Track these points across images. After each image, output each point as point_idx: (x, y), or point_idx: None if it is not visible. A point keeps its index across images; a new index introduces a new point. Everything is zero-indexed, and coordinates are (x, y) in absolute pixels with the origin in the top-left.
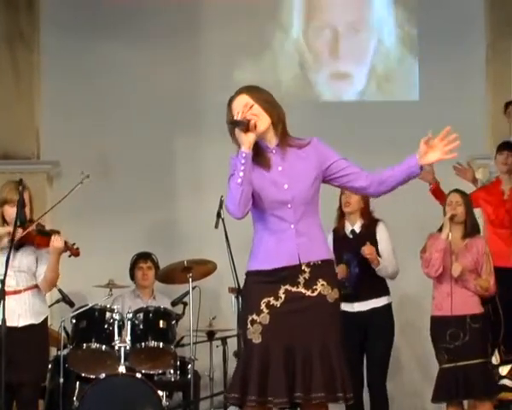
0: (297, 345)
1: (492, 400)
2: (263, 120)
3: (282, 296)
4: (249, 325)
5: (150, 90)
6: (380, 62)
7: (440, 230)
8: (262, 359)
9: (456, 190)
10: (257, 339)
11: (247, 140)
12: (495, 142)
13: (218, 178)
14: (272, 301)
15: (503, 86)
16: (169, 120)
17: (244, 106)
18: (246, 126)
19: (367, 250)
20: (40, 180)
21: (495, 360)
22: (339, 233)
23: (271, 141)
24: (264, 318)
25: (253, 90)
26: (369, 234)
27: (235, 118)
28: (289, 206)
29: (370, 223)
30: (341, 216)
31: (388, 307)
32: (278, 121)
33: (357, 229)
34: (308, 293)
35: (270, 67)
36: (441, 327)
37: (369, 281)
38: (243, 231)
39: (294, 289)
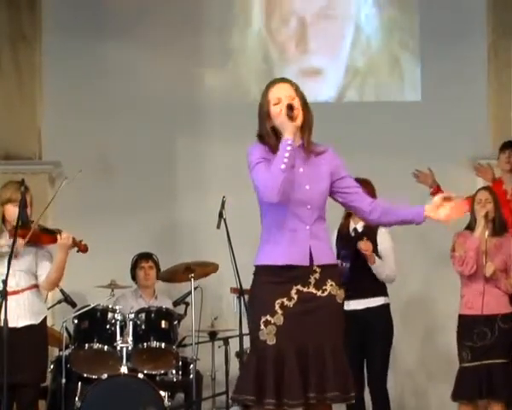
0: (309, 345)
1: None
2: (300, 117)
3: (295, 297)
4: (263, 326)
5: (152, 91)
6: (360, 55)
7: (468, 228)
8: (276, 360)
9: (485, 188)
10: (271, 340)
11: (293, 128)
12: (497, 142)
13: (219, 178)
14: (286, 301)
15: (505, 86)
16: (170, 121)
17: (289, 96)
18: (294, 115)
19: (363, 245)
20: (42, 181)
21: None
22: (342, 232)
23: (296, 141)
24: (279, 319)
25: (296, 85)
26: (370, 233)
27: (289, 102)
28: (309, 207)
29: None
30: (348, 216)
31: (385, 307)
32: (307, 124)
33: (360, 228)
34: (319, 293)
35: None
36: (470, 326)
37: (366, 280)
38: (245, 232)
39: (306, 290)
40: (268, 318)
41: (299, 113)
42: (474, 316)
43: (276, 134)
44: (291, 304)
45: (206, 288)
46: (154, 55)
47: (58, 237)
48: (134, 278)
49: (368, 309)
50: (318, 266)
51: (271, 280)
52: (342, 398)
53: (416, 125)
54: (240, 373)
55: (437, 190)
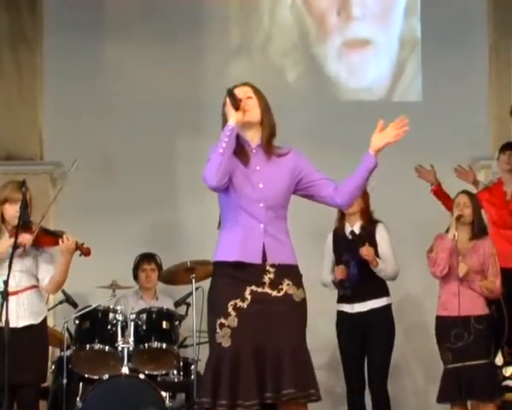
0: (266, 345)
1: (495, 401)
2: (253, 114)
3: (249, 297)
4: (218, 329)
5: (152, 91)
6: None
7: (448, 230)
8: (232, 362)
9: (465, 192)
10: (226, 343)
11: (235, 116)
12: (497, 143)
13: None
14: (239, 303)
15: (506, 87)
16: (171, 121)
17: (245, 93)
18: (237, 104)
19: (365, 251)
20: (43, 181)
21: (498, 360)
22: (338, 234)
23: (253, 140)
24: (233, 321)
25: (256, 88)
26: (368, 235)
27: (229, 88)
28: (261, 205)
29: (370, 224)
30: (342, 217)
31: (388, 307)
32: (267, 125)
33: (357, 230)
34: (274, 293)
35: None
36: (446, 327)
37: (369, 282)
38: None
39: (260, 290)
40: (222, 320)
41: (250, 109)
42: (450, 317)
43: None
44: (245, 305)
45: (206, 288)
46: (154, 55)
47: (60, 241)
48: (136, 277)
49: (371, 311)
50: (272, 266)
51: (225, 280)
52: (299, 395)
53: (416, 125)
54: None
55: (438, 187)
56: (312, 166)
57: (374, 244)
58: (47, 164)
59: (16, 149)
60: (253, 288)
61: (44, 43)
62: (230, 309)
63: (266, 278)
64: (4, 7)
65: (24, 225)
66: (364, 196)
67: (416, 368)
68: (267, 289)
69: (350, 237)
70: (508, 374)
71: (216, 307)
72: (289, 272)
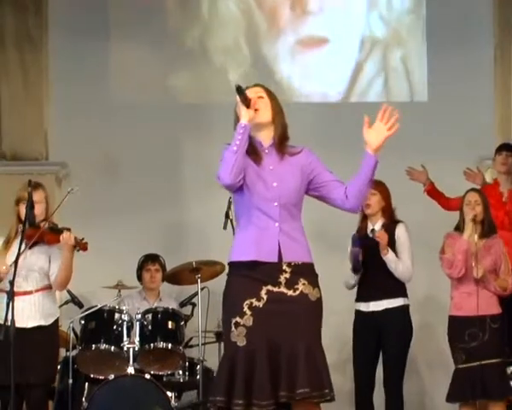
0: (281, 345)
1: (507, 400)
2: (264, 113)
3: (265, 297)
4: (233, 328)
5: (158, 91)
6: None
7: (457, 229)
8: (247, 361)
9: (474, 190)
10: (241, 342)
11: (247, 114)
12: (503, 141)
13: None
14: (255, 302)
15: (511, 87)
16: (177, 121)
17: (256, 92)
18: (247, 101)
19: (379, 234)
20: (48, 181)
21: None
22: (360, 233)
23: (266, 140)
24: (248, 320)
25: (267, 88)
26: (387, 233)
27: (237, 84)
28: (276, 204)
29: (391, 223)
30: (364, 217)
31: (403, 308)
32: (278, 125)
33: (378, 227)
34: (290, 293)
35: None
36: (460, 327)
37: (385, 281)
38: None
39: (276, 290)
40: (237, 319)
41: (261, 109)
42: (465, 317)
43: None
44: (260, 304)
45: (212, 289)
46: (160, 56)
47: (61, 236)
48: (140, 278)
49: (386, 310)
50: (288, 265)
51: (241, 280)
52: (313, 395)
53: (422, 125)
54: (215, 376)
55: (431, 187)
56: (324, 167)
57: (392, 242)
58: (52, 164)
59: (22, 149)
60: (269, 287)
61: (50, 44)
62: (246, 308)
63: (282, 278)
64: (10, 7)
65: (30, 225)
66: (385, 194)
67: (422, 368)
68: (283, 289)
69: (371, 235)
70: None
71: (231, 307)
72: (305, 270)
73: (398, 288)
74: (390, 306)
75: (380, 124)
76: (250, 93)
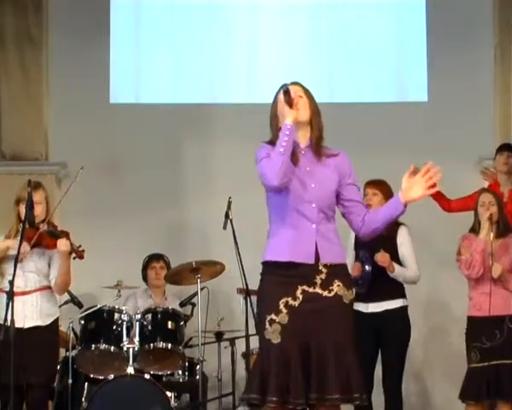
0: (313, 345)
1: None
2: (304, 113)
3: (300, 297)
4: (267, 325)
5: (159, 92)
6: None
7: (472, 230)
8: (281, 359)
9: (487, 190)
10: (276, 339)
11: (292, 114)
12: (503, 141)
13: (226, 179)
14: (290, 301)
15: (511, 86)
16: (177, 121)
17: (295, 91)
18: (291, 102)
19: (380, 258)
20: (48, 181)
21: None
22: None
23: (303, 140)
24: (283, 318)
25: (307, 88)
26: (389, 236)
27: (285, 88)
28: (313, 205)
29: (392, 225)
30: None
31: (403, 309)
32: (316, 125)
33: None
34: (325, 293)
35: None
36: (478, 327)
37: (384, 283)
38: (251, 233)
39: (311, 290)
40: (273, 316)
41: (298, 101)
42: (483, 317)
43: None
44: (296, 304)
45: (212, 289)
46: (160, 56)
47: (58, 242)
48: (145, 278)
49: (386, 311)
50: (325, 266)
51: (276, 279)
52: (343, 399)
53: (422, 125)
54: (249, 374)
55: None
56: (355, 180)
57: (394, 246)
58: (52, 164)
59: (22, 149)
60: (305, 287)
61: (50, 43)
62: (282, 306)
63: (318, 279)
64: (10, 6)
65: (30, 225)
66: (387, 195)
67: (423, 370)
68: (318, 290)
69: None
70: None
71: (267, 304)
72: (340, 272)
73: (396, 289)
74: (389, 307)
75: (421, 179)
76: (292, 89)
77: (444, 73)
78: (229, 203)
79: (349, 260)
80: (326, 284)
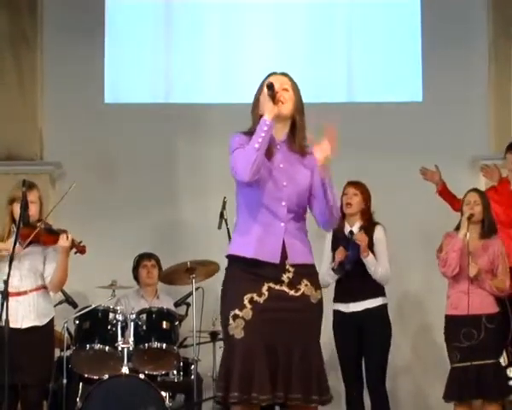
0: (278, 344)
1: (503, 400)
2: (287, 107)
3: (266, 293)
4: (231, 321)
5: (152, 91)
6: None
7: (457, 229)
8: (244, 354)
9: (475, 190)
10: (239, 334)
11: (273, 110)
12: (498, 142)
13: (220, 179)
14: (255, 297)
15: (506, 86)
16: (171, 122)
17: (282, 83)
18: (274, 97)
19: (359, 236)
20: (43, 181)
21: (503, 361)
22: (338, 234)
23: (279, 135)
24: (247, 313)
25: (294, 81)
26: (366, 235)
27: (270, 81)
28: (284, 204)
29: (369, 225)
30: (342, 217)
31: (383, 307)
32: (300, 125)
33: (355, 230)
34: (292, 292)
35: None
36: (456, 326)
37: (364, 282)
38: None
39: (278, 288)
40: (236, 311)
41: (281, 96)
42: (460, 316)
43: None
44: (261, 300)
45: (207, 288)
46: (155, 56)
47: (60, 237)
48: (136, 278)
49: (366, 310)
50: (292, 265)
51: (241, 274)
52: (303, 400)
53: (417, 125)
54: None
55: (443, 187)
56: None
57: (371, 245)
58: (47, 164)
59: (16, 149)
60: (271, 284)
61: (44, 44)
62: (246, 302)
63: (285, 277)
64: (4, 7)
65: (25, 225)
66: (366, 196)
67: (416, 368)
68: (285, 288)
69: (349, 236)
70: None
71: (231, 299)
72: (308, 271)
73: (376, 288)
74: (370, 306)
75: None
76: (275, 81)
77: (438, 74)
78: (224, 203)
79: (325, 261)
80: (293, 283)
